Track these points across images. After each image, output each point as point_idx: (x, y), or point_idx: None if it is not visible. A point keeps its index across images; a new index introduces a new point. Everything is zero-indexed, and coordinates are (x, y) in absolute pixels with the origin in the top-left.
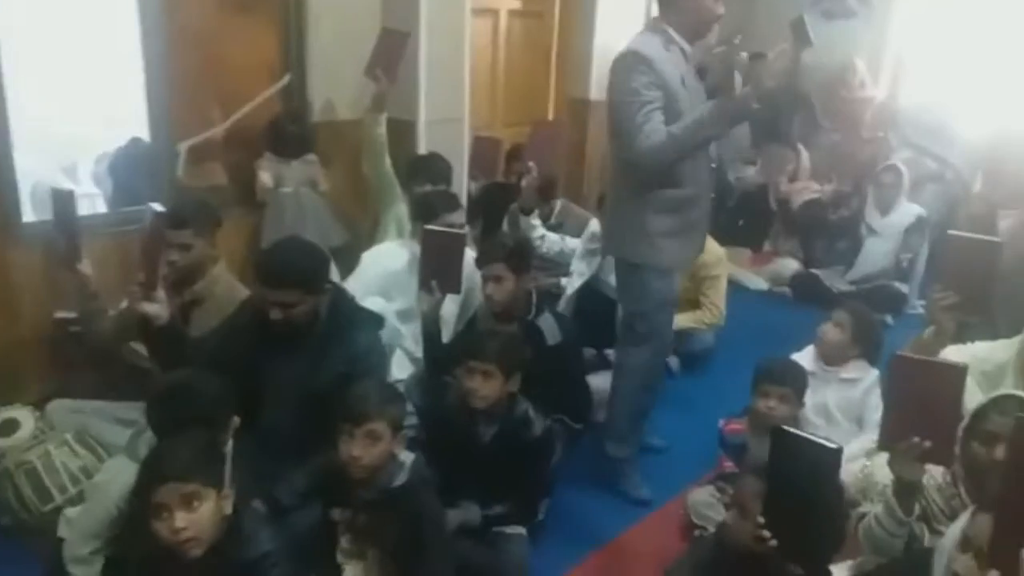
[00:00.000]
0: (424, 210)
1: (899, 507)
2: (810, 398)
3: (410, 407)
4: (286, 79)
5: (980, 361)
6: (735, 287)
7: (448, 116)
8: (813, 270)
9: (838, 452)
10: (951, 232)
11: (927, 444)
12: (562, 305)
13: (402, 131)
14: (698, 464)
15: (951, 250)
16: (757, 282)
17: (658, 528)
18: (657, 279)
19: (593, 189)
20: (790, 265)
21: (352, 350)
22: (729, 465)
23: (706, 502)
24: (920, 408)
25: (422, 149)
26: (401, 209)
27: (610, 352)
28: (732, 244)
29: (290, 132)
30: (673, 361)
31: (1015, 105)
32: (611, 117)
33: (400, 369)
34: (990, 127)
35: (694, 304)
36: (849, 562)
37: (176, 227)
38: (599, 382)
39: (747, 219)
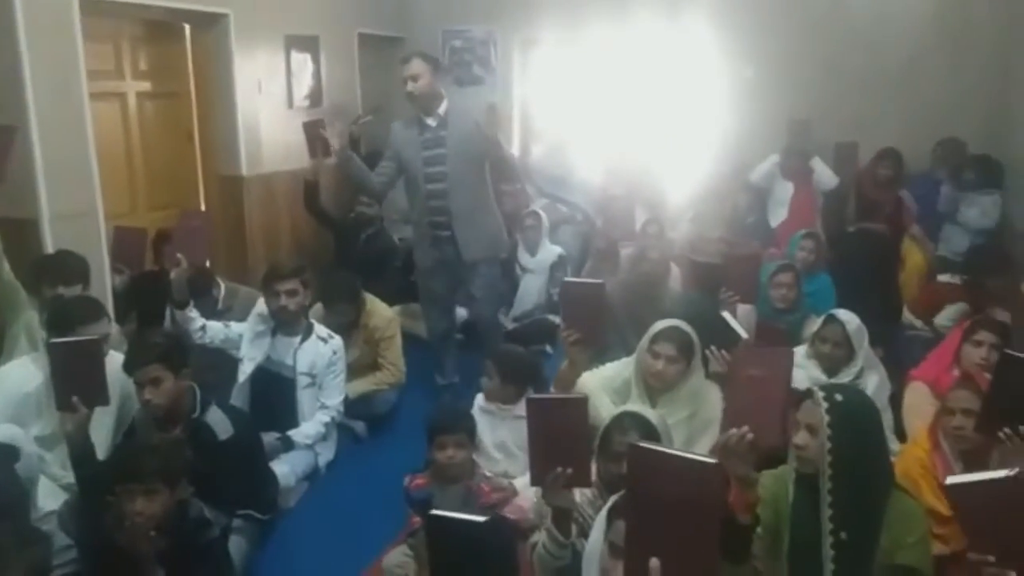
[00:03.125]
0: (59, 320)
1: (559, 532)
2: (490, 436)
3: (66, 539)
4: None
5: (610, 380)
6: (415, 342)
7: (77, 209)
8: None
9: (487, 525)
10: (565, 280)
11: (569, 471)
12: (235, 395)
13: (22, 230)
14: (391, 526)
15: (566, 293)
16: None
17: None
18: None
19: (258, 264)
20: (461, 312)
21: None
22: (417, 521)
23: (400, 562)
24: (557, 440)
25: (50, 247)
26: (31, 317)
27: (293, 433)
28: (406, 301)
29: None
30: (359, 426)
31: (618, 149)
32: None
33: (50, 499)
34: (600, 170)
35: (373, 367)
36: None
37: None
38: (285, 469)
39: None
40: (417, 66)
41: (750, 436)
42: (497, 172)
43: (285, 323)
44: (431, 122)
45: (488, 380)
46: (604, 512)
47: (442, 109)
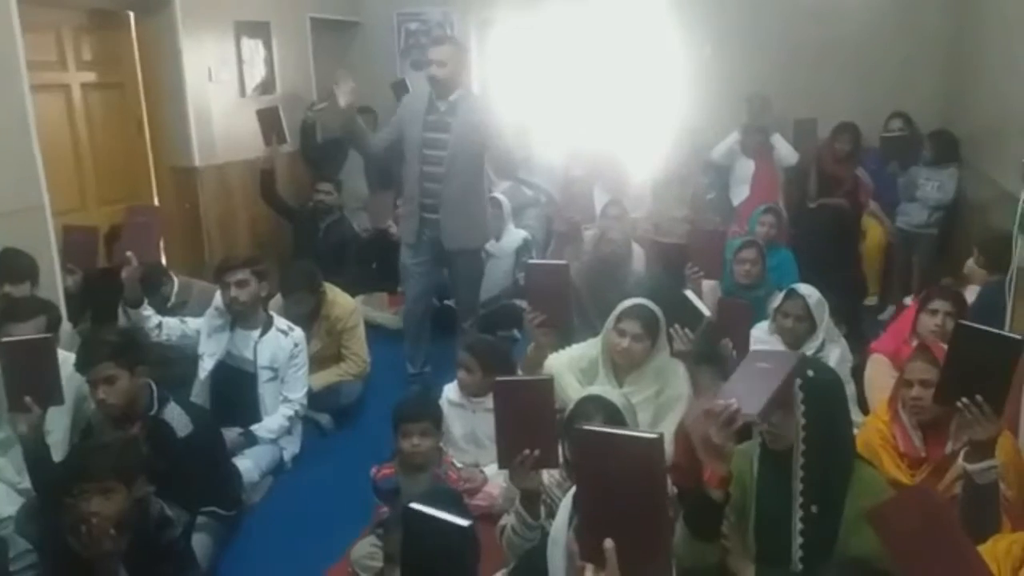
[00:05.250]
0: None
1: (527, 513)
2: (460, 428)
3: (25, 544)
4: None
5: (576, 360)
6: (378, 331)
7: (23, 205)
8: (446, 301)
9: (465, 530)
10: (529, 262)
11: (536, 453)
12: (196, 391)
13: None
14: (358, 518)
15: (530, 276)
16: (397, 321)
17: None
18: None
19: (215, 257)
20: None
21: None
22: (384, 511)
23: (368, 553)
24: (524, 422)
25: None
26: None
27: (256, 427)
28: (368, 291)
29: None
30: (324, 418)
31: (579, 130)
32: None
33: (6, 504)
34: (562, 151)
35: (337, 358)
36: (502, 571)
37: None
38: (248, 464)
39: (378, 264)
40: (446, 52)
41: (735, 407)
42: (495, 166)
43: (239, 315)
44: (441, 105)
45: (467, 374)
46: (569, 496)
47: (455, 96)
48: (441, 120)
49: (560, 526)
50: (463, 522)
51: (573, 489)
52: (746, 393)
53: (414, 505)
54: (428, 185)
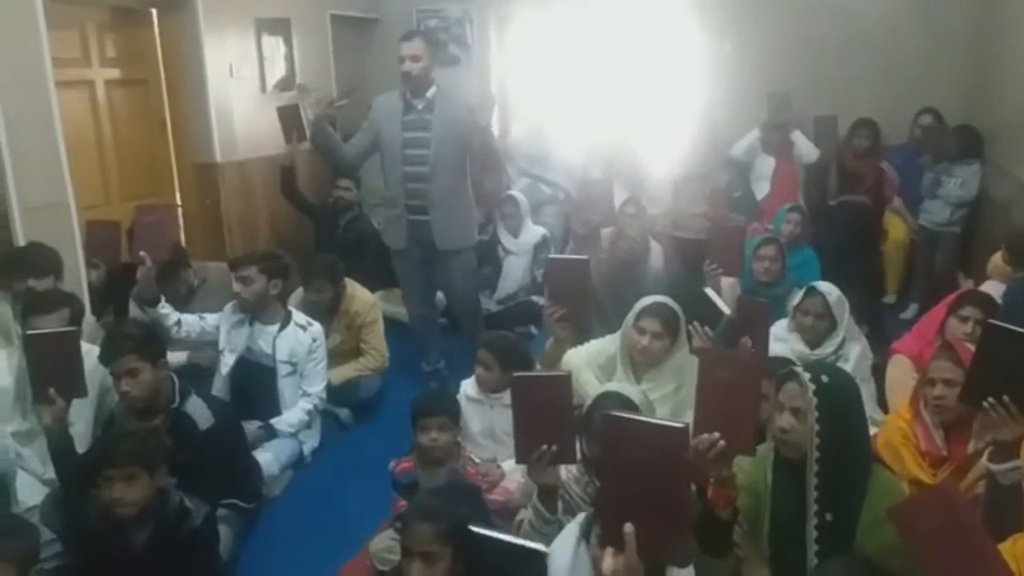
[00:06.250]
0: (24, 311)
1: (545, 508)
2: (478, 423)
3: (49, 534)
4: None
5: (595, 356)
6: (397, 326)
7: (49, 201)
8: None
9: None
10: (549, 256)
11: (554, 448)
12: (217, 386)
13: None
14: (377, 511)
15: (550, 271)
16: None
17: None
18: None
19: (236, 250)
20: (442, 298)
21: None
22: (403, 505)
23: (387, 547)
24: (542, 417)
25: (21, 240)
26: (4, 311)
27: (276, 421)
28: (386, 286)
29: None
30: (343, 413)
31: (598, 128)
32: None
33: (32, 494)
34: (580, 149)
35: (356, 353)
36: None
37: None
38: (268, 457)
39: None
40: (419, 47)
41: (722, 444)
42: (479, 159)
43: (246, 311)
44: (418, 104)
45: (485, 371)
46: (577, 520)
47: (430, 93)
48: (420, 118)
49: (562, 546)
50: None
51: (581, 516)
52: (727, 421)
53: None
54: (413, 186)
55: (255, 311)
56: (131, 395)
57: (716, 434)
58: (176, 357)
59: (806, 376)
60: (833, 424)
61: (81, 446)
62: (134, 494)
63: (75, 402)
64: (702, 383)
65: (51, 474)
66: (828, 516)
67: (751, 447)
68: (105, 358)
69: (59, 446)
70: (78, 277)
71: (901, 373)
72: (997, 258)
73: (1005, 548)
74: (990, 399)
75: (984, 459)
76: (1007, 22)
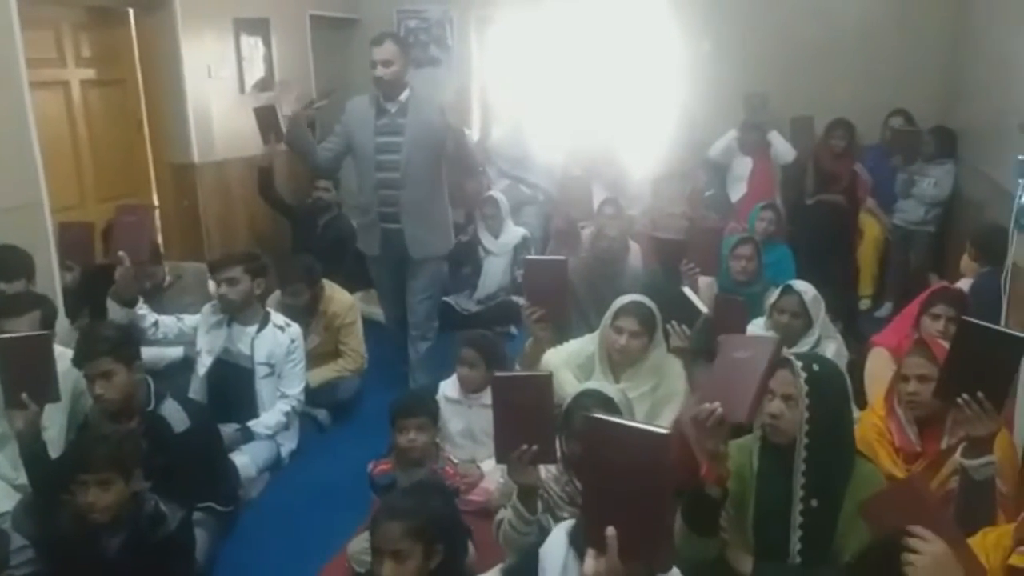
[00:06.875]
0: None
1: (524, 508)
2: (456, 425)
3: (21, 540)
4: None
5: (574, 356)
6: (376, 327)
7: (21, 202)
8: (444, 298)
9: None
10: (527, 257)
11: (534, 448)
12: (194, 387)
13: None
14: (356, 513)
15: (528, 272)
16: None
17: None
18: None
19: (214, 251)
20: None
21: None
22: None
23: (365, 549)
24: (521, 417)
25: None
26: None
27: (253, 423)
28: (365, 287)
29: None
30: (322, 414)
31: (577, 128)
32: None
33: (3, 500)
34: (560, 150)
35: (335, 354)
36: (499, 565)
37: None
38: (245, 460)
39: None
40: (390, 50)
41: (720, 411)
42: (455, 161)
43: (232, 312)
44: (390, 107)
45: (469, 369)
46: (564, 526)
47: (403, 96)
48: (393, 123)
49: (552, 551)
50: None
51: (568, 523)
52: (730, 393)
53: None
54: (386, 192)
55: (240, 311)
56: (105, 398)
57: (716, 403)
58: (173, 352)
59: (798, 364)
60: (822, 411)
61: (54, 451)
62: (108, 499)
63: (48, 406)
64: (718, 362)
65: (23, 479)
66: (813, 502)
67: (745, 422)
68: (79, 360)
69: (31, 451)
70: (51, 279)
71: (880, 365)
72: (966, 259)
73: (975, 541)
74: (964, 395)
75: (958, 455)
76: (981, 25)
